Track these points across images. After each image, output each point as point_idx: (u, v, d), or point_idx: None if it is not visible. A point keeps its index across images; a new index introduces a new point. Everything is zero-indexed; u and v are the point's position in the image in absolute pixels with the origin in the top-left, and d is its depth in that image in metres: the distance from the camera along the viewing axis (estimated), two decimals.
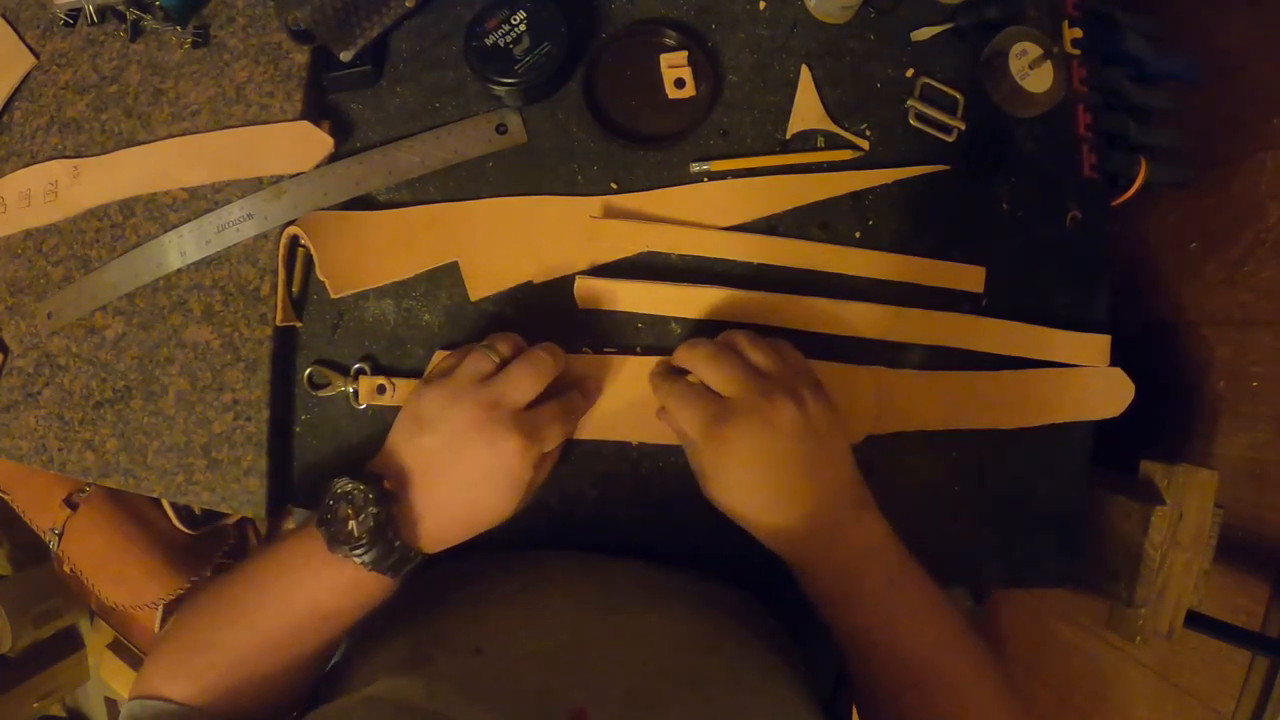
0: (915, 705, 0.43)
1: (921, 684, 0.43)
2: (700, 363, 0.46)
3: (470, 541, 0.45)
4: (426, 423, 0.43)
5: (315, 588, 0.41)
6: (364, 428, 0.52)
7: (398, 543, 0.40)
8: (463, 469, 0.42)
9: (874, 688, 0.45)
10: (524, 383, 0.43)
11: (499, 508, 0.43)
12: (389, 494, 0.41)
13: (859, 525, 0.45)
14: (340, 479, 0.40)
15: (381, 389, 0.51)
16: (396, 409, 0.47)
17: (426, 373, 0.47)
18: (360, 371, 0.51)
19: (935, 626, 0.45)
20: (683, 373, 0.48)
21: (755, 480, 0.44)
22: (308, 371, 0.52)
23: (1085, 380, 0.55)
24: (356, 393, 0.51)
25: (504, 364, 0.45)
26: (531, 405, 0.44)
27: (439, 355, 0.51)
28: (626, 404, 0.52)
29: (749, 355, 0.46)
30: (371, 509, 0.39)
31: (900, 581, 0.45)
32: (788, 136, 0.54)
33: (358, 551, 0.39)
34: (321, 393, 0.52)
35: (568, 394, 0.47)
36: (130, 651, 1.14)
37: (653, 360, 0.51)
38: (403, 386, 0.51)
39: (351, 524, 0.39)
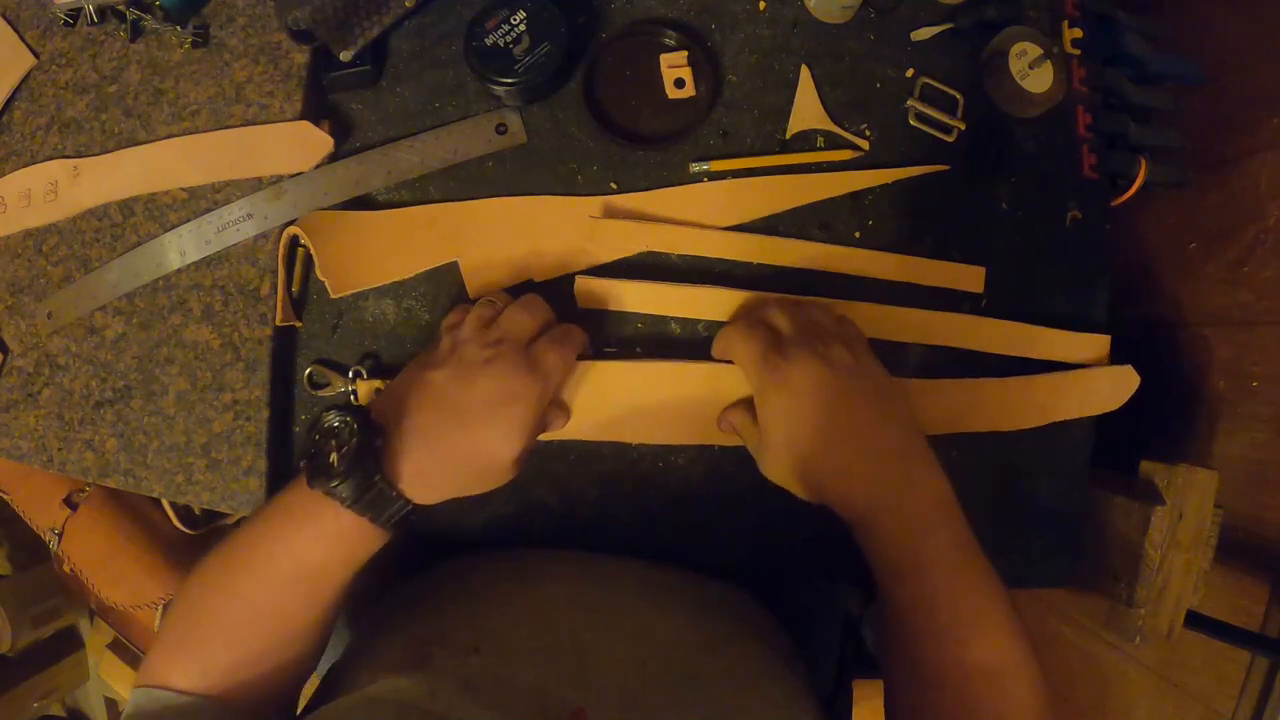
0: (956, 694, 0.41)
1: (969, 669, 0.41)
2: (766, 306, 0.48)
3: (469, 540, 0.45)
4: (434, 361, 0.43)
5: (298, 541, 0.39)
6: None
7: (377, 477, 0.38)
8: (466, 402, 0.40)
9: (918, 668, 0.42)
10: (522, 318, 0.44)
11: (500, 449, 0.41)
12: (374, 425, 0.39)
13: (927, 477, 0.43)
14: (329, 412, 0.39)
15: (379, 392, 0.51)
16: None
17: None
18: (357, 375, 0.51)
19: (992, 605, 0.42)
20: None
21: (817, 415, 0.42)
22: (308, 371, 0.52)
23: (1091, 381, 0.55)
24: (356, 393, 0.51)
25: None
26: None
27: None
28: (626, 409, 0.51)
29: (809, 312, 0.47)
30: (353, 440, 0.37)
31: (966, 544, 0.42)
32: (788, 136, 0.54)
33: (334, 483, 0.37)
34: (321, 393, 0.52)
35: (562, 326, 0.47)
36: (130, 651, 1.14)
37: (654, 365, 0.51)
38: None
39: (333, 456, 0.37)
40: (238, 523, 1.01)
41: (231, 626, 0.40)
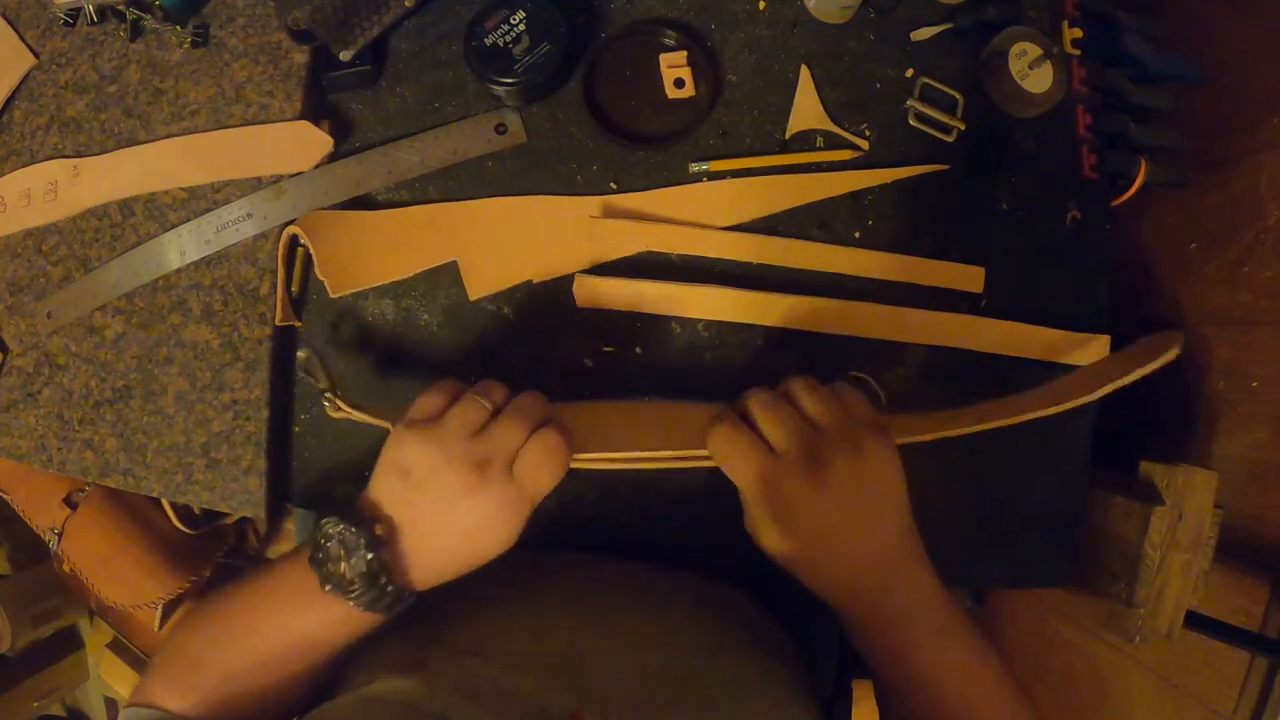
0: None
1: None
2: (755, 409, 0.43)
3: None
4: (414, 480, 0.40)
5: (306, 620, 0.40)
6: (364, 429, 0.52)
7: (390, 586, 0.39)
8: (458, 525, 0.40)
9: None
10: (513, 435, 0.41)
11: (498, 550, 0.41)
12: (380, 540, 0.39)
13: (907, 580, 0.43)
14: (330, 519, 0.39)
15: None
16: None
17: (408, 415, 0.42)
18: (333, 402, 0.46)
19: (978, 678, 0.44)
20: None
21: (806, 540, 0.42)
22: (304, 354, 0.48)
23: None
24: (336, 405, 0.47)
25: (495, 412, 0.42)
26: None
27: (421, 398, 0.43)
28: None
29: (804, 404, 0.43)
30: (363, 553, 0.38)
31: (948, 630, 0.43)
32: (787, 136, 0.54)
33: (351, 594, 0.38)
34: (306, 376, 0.49)
35: (546, 429, 0.42)
36: (130, 651, 1.14)
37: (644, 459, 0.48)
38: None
39: (343, 565, 0.38)
40: (238, 523, 1.02)
41: (231, 671, 0.41)
